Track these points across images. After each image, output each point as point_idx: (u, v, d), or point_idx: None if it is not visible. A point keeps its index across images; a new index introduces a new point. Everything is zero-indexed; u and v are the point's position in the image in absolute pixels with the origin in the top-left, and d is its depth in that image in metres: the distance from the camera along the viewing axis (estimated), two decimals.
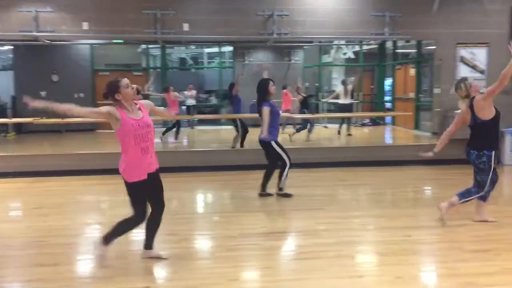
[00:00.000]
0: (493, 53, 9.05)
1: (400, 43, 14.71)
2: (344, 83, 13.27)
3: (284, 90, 13.32)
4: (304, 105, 12.14)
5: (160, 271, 4.23)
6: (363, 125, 15.28)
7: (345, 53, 17.41)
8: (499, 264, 4.12)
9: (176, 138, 11.49)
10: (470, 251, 4.45)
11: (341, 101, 12.98)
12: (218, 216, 6.00)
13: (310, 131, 11.59)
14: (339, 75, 20.59)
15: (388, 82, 16.07)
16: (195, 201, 7.18)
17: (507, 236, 4.82)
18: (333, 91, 19.37)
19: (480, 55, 9.06)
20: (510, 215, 5.65)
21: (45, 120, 9.29)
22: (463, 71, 9.06)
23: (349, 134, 12.59)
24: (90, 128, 13.73)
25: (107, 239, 4.10)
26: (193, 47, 19.13)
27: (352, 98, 13.33)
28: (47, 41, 9.33)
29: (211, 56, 19.66)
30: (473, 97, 5.21)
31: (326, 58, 18.05)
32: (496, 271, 3.97)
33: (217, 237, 5.08)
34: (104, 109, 3.96)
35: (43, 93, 13.57)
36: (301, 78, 14.28)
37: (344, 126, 12.85)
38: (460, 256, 4.33)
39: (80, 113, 4.02)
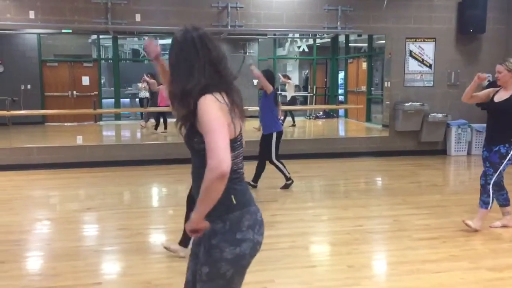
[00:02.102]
0: (440, 48, 9.37)
1: (352, 37, 14.98)
2: (285, 77, 13.77)
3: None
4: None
5: (112, 267, 4.16)
6: (317, 117, 15.50)
7: (299, 46, 17.57)
8: (445, 251, 4.30)
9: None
10: (417, 239, 4.61)
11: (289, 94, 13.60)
12: (173, 209, 5.94)
13: None
14: (293, 68, 20.79)
15: (341, 75, 16.36)
16: (149, 194, 7.08)
17: (452, 225, 5.03)
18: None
19: (428, 49, 9.37)
20: (455, 203, 5.89)
21: None
22: (412, 65, 9.35)
23: (293, 125, 13.26)
24: (38, 121, 13.25)
25: None
26: (146, 38, 18.75)
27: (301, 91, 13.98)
28: None
29: (165, 47, 19.33)
30: None
31: (280, 51, 18.16)
32: (442, 258, 4.14)
33: (172, 231, 5.02)
34: None
35: None
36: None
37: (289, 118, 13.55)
38: (408, 244, 4.49)
39: None
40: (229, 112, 1.90)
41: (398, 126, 9.36)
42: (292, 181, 6.74)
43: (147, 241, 4.79)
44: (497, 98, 4.75)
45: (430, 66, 9.42)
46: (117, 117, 14.81)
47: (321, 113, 15.79)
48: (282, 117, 13.58)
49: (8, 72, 13.53)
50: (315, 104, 16.73)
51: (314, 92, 16.74)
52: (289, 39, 17.62)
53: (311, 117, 15.50)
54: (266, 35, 15.02)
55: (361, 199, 6.35)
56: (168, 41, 17.10)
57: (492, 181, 4.68)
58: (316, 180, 7.70)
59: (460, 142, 9.41)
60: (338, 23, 8.92)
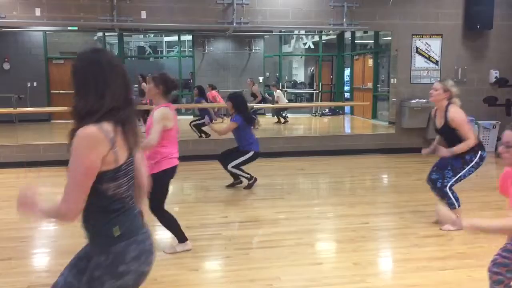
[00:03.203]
0: (446, 44, 9.32)
1: (358, 34, 14.93)
2: (274, 86, 13.78)
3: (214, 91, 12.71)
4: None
5: None
6: (323, 114, 15.46)
7: (305, 43, 17.53)
8: (451, 248, 4.28)
9: None
10: (424, 237, 4.60)
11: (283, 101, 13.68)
12: (178, 206, 5.95)
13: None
14: (299, 65, 20.75)
15: (346, 72, 16.31)
16: None
17: None
18: (294, 81, 19.60)
19: (434, 46, 9.32)
20: (461, 201, 5.84)
21: None
22: (419, 61, 9.30)
23: (279, 122, 13.33)
24: (44, 118, 13.30)
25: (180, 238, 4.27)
26: (151, 35, 18.78)
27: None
28: None
29: (170, 44, 19.37)
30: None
31: (286, 48, 18.13)
32: (448, 255, 4.12)
33: None
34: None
35: None
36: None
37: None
38: (414, 242, 4.48)
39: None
40: (110, 143, 1.80)
41: (404, 123, 9.32)
42: (255, 179, 6.52)
43: (153, 238, 4.80)
44: (438, 124, 4.84)
45: (436, 63, 9.37)
46: None
47: (326, 110, 15.76)
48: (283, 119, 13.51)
49: (14, 69, 13.60)
50: (321, 101, 16.69)
51: (320, 89, 16.70)
52: (294, 36, 17.60)
53: (316, 114, 15.47)
54: (271, 32, 15.00)
55: (367, 196, 6.33)
56: (174, 38, 17.20)
57: (449, 184, 4.73)
58: (322, 177, 7.69)
59: None
60: (344, 19, 8.88)
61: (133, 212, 1.98)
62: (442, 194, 4.79)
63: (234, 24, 8.57)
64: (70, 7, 8.12)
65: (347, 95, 16.10)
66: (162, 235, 4.96)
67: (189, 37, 16.48)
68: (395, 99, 9.54)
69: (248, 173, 6.46)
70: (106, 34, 14.92)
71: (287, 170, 7.91)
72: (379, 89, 13.72)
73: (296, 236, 4.62)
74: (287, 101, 14.22)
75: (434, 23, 9.22)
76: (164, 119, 3.98)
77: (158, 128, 3.93)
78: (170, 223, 4.24)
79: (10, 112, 9.51)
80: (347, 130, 13.44)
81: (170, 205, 6.11)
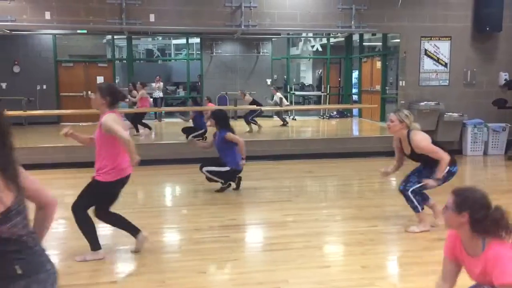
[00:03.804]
0: (455, 46, 9.27)
1: (366, 36, 14.89)
2: (275, 89, 13.75)
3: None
4: None
5: (127, 266, 4.18)
6: (331, 117, 15.43)
7: (313, 46, 17.52)
8: None
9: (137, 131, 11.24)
10: (432, 240, 4.56)
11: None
12: (186, 209, 5.97)
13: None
14: (307, 67, 20.74)
15: (354, 74, 16.26)
16: (163, 194, 7.11)
17: None
18: (302, 83, 19.57)
19: (443, 48, 9.27)
20: None
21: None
22: (427, 64, 9.26)
23: (283, 125, 13.20)
24: (53, 120, 13.38)
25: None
26: (160, 38, 18.89)
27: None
28: (7, 31, 9.03)
29: (178, 47, 19.46)
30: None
31: (294, 51, 18.12)
32: None
33: (185, 230, 5.05)
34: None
35: (3, 85, 13.16)
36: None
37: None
38: (423, 245, 4.44)
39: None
40: None
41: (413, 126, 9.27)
42: (229, 185, 6.54)
43: (161, 240, 4.81)
44: (406, 151, 4.83)
45: (445, 65, 9.32)
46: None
47: (334, 112, 15.71)
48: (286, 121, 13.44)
49: (24, 72, 13.71)
50: (329, 103, 16.66)
51: (328, 92, 16.68)
52: (302, 39, 17.59)
53: (324, 116, 15.44)
54: (279, 34, 15.01)
55: (375, 199, 6.30)
56: (183, 40, 17.26)
57: (411, 189, 4.74)
58: (330, 180, 7.67)
59: (476, 142, 9.29)
60: (352, 22, 8.87)
61: (34, 249, 1.93)
62: (405, 198, 4.81)
63: (242, 27, 8.59)
64: (79, 10, 8.19)
65: (355, 97, 16.04)
66: (168, 237, 4.97)
67: (197, 40, 16.52)
68: (403, 102, 9.49)
69: (223, 182, 6.46)
70: (115, 37, 15.02)
71: (295, 173, 7.89)
72: (387, 92, 13.67)
73: (304, 239, 4.60)
74: (287, 103, 14.20)
75: (443, 25, 9.18)
76: (117, 123, 3.96)
77: (118, 127, 3.91)
78: (117, 222, 4.27)
79: (20, 115, 9.58)
80: (355, 132, 13.39)
81: (178, 208, 6.15)
